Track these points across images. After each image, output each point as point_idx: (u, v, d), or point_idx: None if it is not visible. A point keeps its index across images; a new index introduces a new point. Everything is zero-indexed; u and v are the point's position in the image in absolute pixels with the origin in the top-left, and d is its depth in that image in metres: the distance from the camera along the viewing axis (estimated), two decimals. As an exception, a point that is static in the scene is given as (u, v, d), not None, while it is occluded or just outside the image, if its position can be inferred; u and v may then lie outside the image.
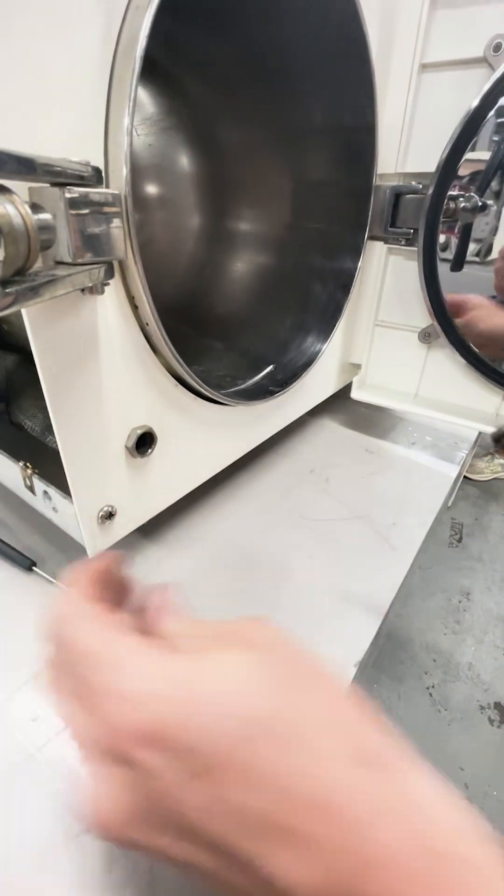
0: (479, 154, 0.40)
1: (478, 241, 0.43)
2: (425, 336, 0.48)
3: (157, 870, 0.21)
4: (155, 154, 0.53)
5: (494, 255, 0.43)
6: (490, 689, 1.04)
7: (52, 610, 0.19)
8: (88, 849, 0.21)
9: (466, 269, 0.44)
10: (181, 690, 0.15)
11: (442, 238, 0.44)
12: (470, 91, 0.38)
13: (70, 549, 0.37)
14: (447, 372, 0.49)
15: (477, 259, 0.44)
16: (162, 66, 0.45)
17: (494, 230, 0.42)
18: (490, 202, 0.42)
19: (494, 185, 0.41)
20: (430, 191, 0.41)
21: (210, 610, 0.34)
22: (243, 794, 0.14)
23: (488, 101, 0.37)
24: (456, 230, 0.43)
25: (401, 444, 0.53)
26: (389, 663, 1.08)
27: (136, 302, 0.27)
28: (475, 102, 0.37)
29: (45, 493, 0.34)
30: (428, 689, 1.03)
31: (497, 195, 0.42)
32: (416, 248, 0.45)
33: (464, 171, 0.41)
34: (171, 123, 0.52)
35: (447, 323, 0.45)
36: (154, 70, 0.45)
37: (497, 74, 0.36)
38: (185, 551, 0.39)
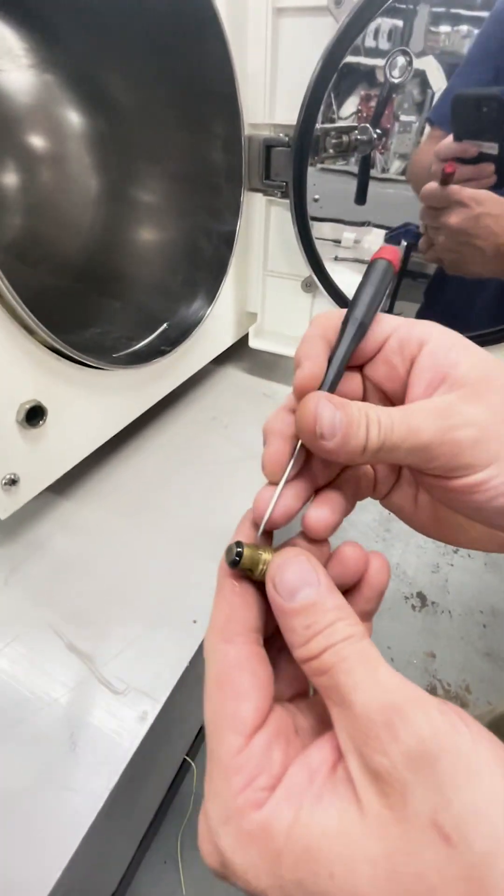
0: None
1: (403, 156, 0.43)
2: (307, 285, 0.52)
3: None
4: (28, 97, 0.51)
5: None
6: (413, 583, 1.21)
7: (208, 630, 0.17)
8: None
9: (393, 189, 0.44)
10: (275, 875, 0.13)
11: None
12: (325, 40, 0.39)
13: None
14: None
15: (404, 178, 0.43)
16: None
17: (417, 143, 0.42)
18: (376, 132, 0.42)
19: (416, 95, 0.40)
20: (294, 145, 0.43)
21: (118, 560, 0.41)
22: None
23: (330, 60, 0.38)
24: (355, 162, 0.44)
25: (297, 386, 0.59)
26: (327, 571, 1.22)
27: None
28: (320, 63, 0.38)
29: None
30: (360, 588, 1.19)
31: (419, 107, 0.41)
32: (289, 201, 0.47)
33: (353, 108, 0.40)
34: (37, 61, 0.50)
35: (321, 274, 0.49)
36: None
37: (339, 31, 0.37)
38: (97, 504, 0.45)
